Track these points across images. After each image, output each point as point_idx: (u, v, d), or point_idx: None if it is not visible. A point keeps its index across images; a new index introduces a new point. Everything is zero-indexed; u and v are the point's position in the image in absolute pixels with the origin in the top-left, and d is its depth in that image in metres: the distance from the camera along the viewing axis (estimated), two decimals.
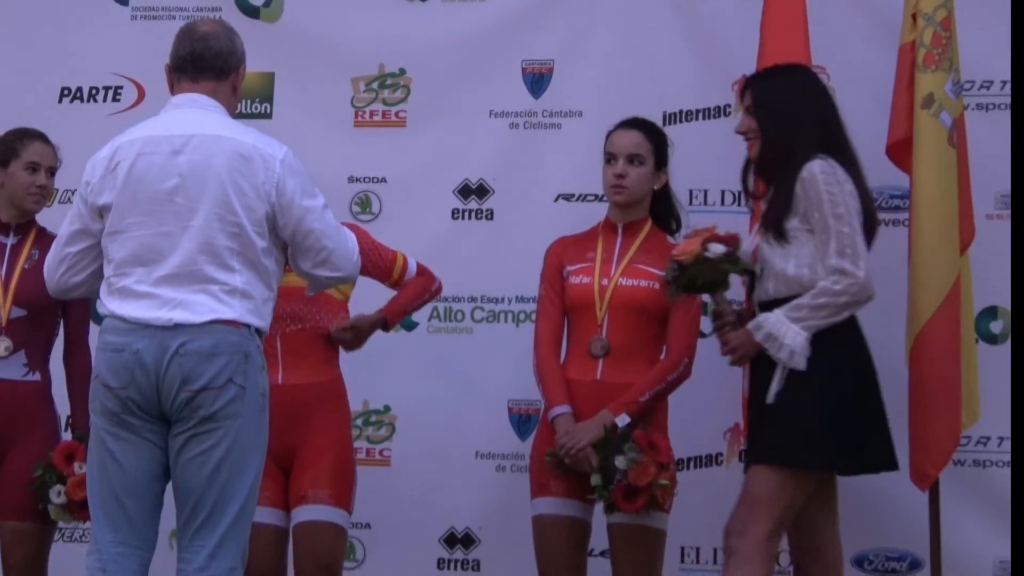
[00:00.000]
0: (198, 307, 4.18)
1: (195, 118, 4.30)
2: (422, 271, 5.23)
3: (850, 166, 4.58)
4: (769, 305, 4.55)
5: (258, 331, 4.27)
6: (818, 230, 4.46)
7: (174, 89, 4.41)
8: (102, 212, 4.28)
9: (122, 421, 4.20)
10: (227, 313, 4.20)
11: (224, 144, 4.25)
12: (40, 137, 5.16)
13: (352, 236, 4.45)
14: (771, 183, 4.65)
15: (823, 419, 4.40)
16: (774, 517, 4.39)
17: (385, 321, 5.14)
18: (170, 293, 4.19)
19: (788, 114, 4.64)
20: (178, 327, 4.16)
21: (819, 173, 4.47)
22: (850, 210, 4.46)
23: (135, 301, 4.20)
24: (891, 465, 4.68)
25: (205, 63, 4.35)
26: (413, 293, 5.21)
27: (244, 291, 4.23)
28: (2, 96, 6.15)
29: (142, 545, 4.24)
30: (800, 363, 4.42)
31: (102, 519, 4.24)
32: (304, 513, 4.99)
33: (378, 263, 5.15)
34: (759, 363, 4.53)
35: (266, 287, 4.30)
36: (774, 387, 4.44)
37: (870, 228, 4.57)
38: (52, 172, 5.16)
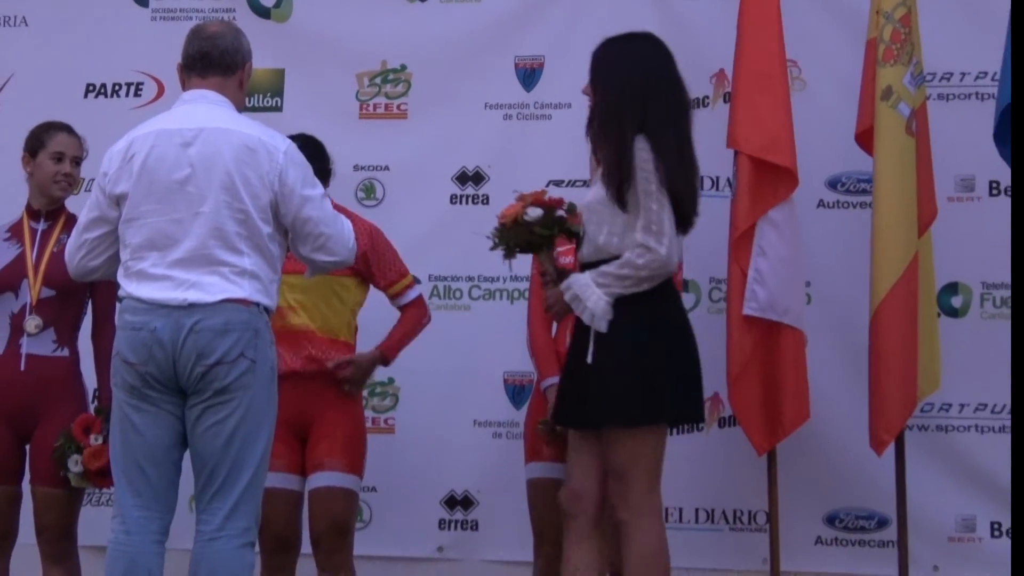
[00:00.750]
0: (210, 287, 4.19)
1: (204, 112, 4.31)
2: (419, 303, 5.24)
3: (679, 145, 4.40)
4: (585, 267, 4.44)
5: (266, 309, 4.28)
6: (630, 204, 4.34)
7: (185, 86, 4.41)
8: (119, 201, 4.29)
9: (142, 394, 4.22)
10: (237, 292, 4.21)
11: (231, 137, 4.26)
12: (65, 128, 5.15)
13: (349, 224, 4.44)
14: (598, 150, 4.47)
15: (641, 376, 4.28)
16: (644, 476, 4.31)
17: (384, 357, 5.16)
18: (184, 275, 4.20)
19: (613, 82, 4.47)
20: (192, 306, 4.18)
21: (637, 151, 4.32)
22: (661, 188, 4.31)
23: (151, 283, 4.21)
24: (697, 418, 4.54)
25: (213, 61, 4.36)
26: (409, 327, 5.21)
27: (252, 272, 4.24)
28: (32, 92, 6.16)
29: (162, 509, 4.27)
30: (601, 326, 4.31)
31: (125, 485, 4.26)
32: (320, 479, 5.02)
33: (390, 266, 5.15)
34: (580, 322, 4.41)
35: (272, 269, 4.31)
36: (591, 348, 4.33)
37: (686, 209, 4.39)
38: (77, 161, 5.15)
